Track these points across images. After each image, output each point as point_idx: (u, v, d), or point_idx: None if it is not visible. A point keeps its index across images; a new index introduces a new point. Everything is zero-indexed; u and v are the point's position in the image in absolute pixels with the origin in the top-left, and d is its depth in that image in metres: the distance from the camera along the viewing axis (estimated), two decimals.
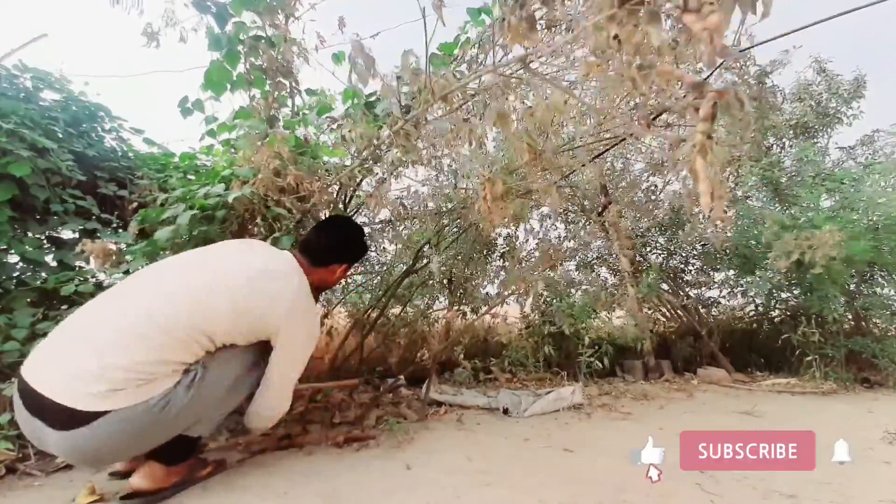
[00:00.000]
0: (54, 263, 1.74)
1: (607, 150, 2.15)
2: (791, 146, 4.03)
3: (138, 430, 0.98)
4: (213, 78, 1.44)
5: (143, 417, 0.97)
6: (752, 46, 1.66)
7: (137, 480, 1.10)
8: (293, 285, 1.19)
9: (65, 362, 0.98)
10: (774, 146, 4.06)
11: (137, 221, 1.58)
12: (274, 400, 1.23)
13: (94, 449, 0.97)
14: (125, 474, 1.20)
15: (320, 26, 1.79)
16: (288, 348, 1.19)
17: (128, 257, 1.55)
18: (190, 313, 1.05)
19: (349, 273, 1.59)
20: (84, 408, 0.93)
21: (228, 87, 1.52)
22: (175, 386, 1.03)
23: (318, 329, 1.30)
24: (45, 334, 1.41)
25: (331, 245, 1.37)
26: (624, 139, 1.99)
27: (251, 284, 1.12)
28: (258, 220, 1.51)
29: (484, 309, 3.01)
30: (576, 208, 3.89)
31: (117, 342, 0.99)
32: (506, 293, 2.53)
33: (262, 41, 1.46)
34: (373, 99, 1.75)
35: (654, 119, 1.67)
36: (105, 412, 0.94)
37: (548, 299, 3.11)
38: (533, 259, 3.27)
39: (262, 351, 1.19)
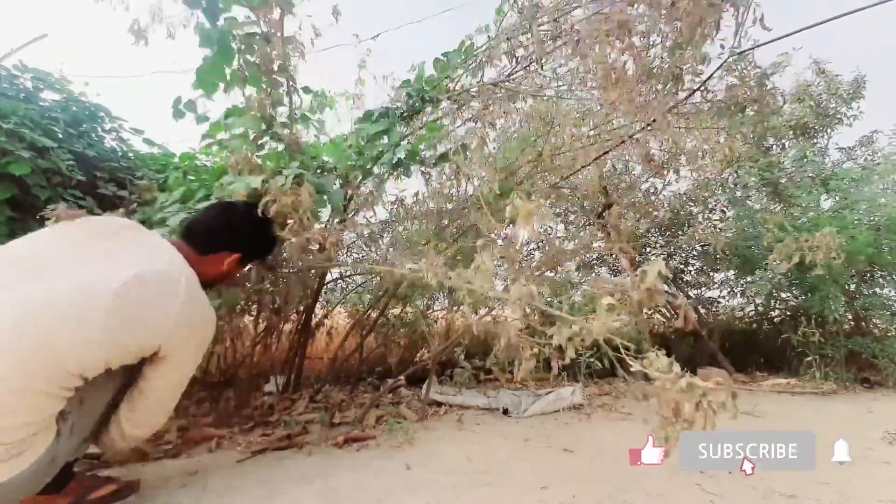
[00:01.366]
0: None
1: (607, 152, 2.15)
2: (791, 147, 4.04)
3: (24, 491, 0.86)
4: (205, 76, 1.40)
5: (26, 484, 0.84)
6: (754, 48, 1.66)
7: None
8: (179, 291, 0.94)
9: None
10: (774, 147, 4.07)
11: (137, 220, 1.58)
12: (148, 416, 1.01)
13: None
14: None
15: (319, 24, 1.79)
16: (174, 361, 0.97)
17: None
18: (48, 359, 0.79)
19: (243, 271, 1.38)
20: None
21: (222, 86, 1.47)
22: (56, 438, 0.86)
23: (213, 328, 1.04)
24: None
25: (216, 226, 1.15)
26: (623, 141, 2.00)
27: (122, 304, 0.85)
28: None
29: (484, 311, 3.01)
30: (575, 209, 3.90)
31: None
32: (507, 295, 2.53)
33: (257, 37, 1.42)
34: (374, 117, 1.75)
35: (652, 123, 1.68)
36: None
37: (548, 300, 3.10)
38: (533, 260, 3.28)
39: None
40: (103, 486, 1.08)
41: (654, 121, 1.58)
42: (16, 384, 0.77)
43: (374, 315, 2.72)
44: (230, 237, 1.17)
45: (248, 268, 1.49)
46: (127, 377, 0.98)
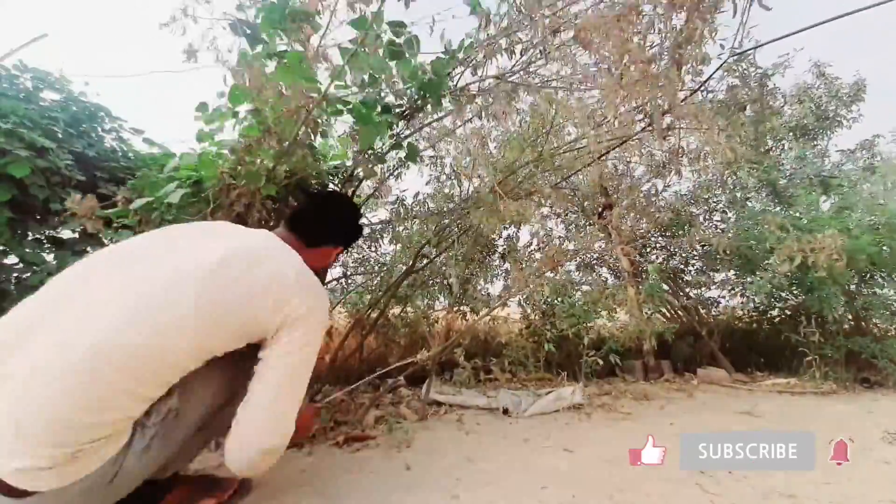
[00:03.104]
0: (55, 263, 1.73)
1: (608, 151, 2.15)
2: (791, 148, 4.05)
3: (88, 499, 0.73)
4: (238, 94, 1.45)
5: (80, 498, 0.72)
6: (755, 48, 1.66)
7: None
8: (292, 261, 0.90)
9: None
10: (774, 148, 4.07)
11: (131, 187, 1.55)
12: (270, 424, 0.83)
13: None
14: None
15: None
16: (294, 346, 0.84)
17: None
18: (146, 346, 0.73)
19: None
20: (12, 483, 0.68)
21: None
22: (126, 447, 0.74)
23: (328, 303, 0.94)
24: None
25: (329, 221, 1.11)
26: (625, 141, 2.00)
27: (213, 280, 0.79)
28: (254, 202, 1.45)
29: (485, 311, 3.01)
30: (576, 209, 3.90)
31: (34, 401, 0.68)
32: (507, 297, 2.53)
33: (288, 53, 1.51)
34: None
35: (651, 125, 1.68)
36: (33, 493, 0.69)
37: (548, 300, 3.11)
38: (534, 260, 3.28)
39: (240, 359, 0.86)
40: (205, 497, 0.98)
41: (669, 109, 1.57)
42: (88, 376, 0.69)
43: (374, 315, 2.73)
44: (342, 231, 1.15)
45: None
46: (234, 380, 0.86)
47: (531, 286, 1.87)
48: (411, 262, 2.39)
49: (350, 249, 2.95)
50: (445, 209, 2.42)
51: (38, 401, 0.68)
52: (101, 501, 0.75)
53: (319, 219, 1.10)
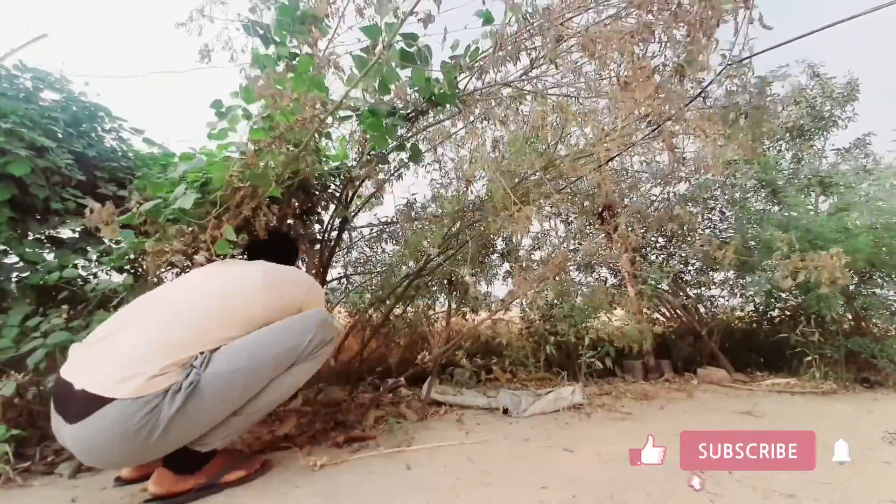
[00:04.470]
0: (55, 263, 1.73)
1: (613, 158, 2.15)
2: (787, 149, 4.06)
3: (126, 431, 0.94)
4: (250, 91, 1.46)
5: (132, 419, 0.94)
6: (753, 56, 1.67)
7: (150, 485, 1.09)
8: (298, 272, 1.42)
9: (106, 347, 1.04)
10: (771, 149, 4.08)
11: (136, 187, 1.56)
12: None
13: (91, 444, 0.96)
14: (129, 481, 1.19)
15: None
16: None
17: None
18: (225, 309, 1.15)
19: None
20: (97, 391, 0.94)
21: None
22: (168, 389, 0.98)
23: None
24: (36, 328, 1.41)
25: (289, 248, 1.62)
26: (629, 147, 2.00)
27: (269, 279, 1.25)
28: (261, 204, 1.46)
29: (488, 313, 3.01)
30: (576, 210, 3.89)
31: (164, 327, 1.06)
32: (510, 301, 2.52)
33: (298, 59, 1.55)
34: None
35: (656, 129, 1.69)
36: (110, 399, 0.94)
37: (549, 301, 3.11)
38: (534, 261, 3.28)
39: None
40: (236, 469, 1.20)
41: (674, 115, 1.58)
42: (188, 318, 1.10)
43: (374, 315, 2.72)
44: (295, 255, 1.67)
45: None
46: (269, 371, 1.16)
47: (535, 291, 1.87)
48: (420, 264, 2.39)
49: (350, 249, 2.96)
50: (455, 212, 2.42)
51: (171, 322, 1.08)
52: (138, 428, 0.95)
53: (282, 248, 1.59)
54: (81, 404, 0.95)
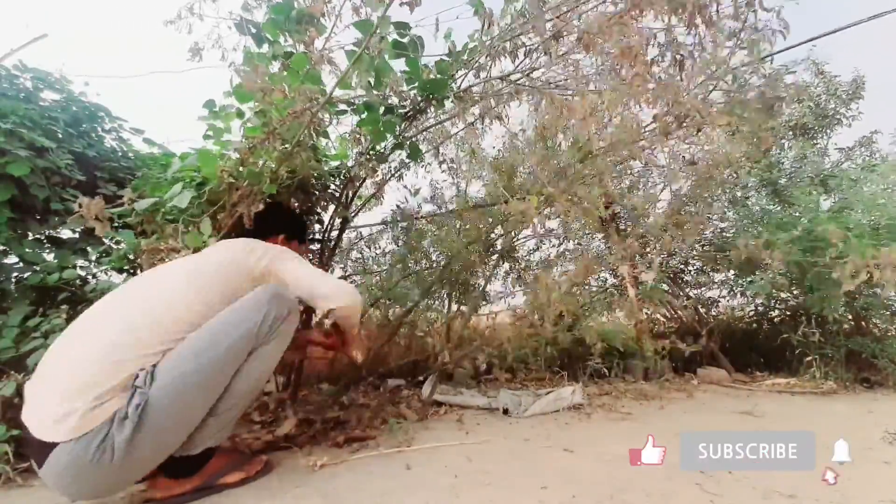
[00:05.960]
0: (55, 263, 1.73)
1: (619, 162, 2.14)
2: (790, 147, 4.05)
3: (85, 468, 0.88)
4: (243, 92, 1.46)
5: (83, 457, 0.87)
6: (762, 59, 1.67)
7: (147, 489, 1.10)
8: (251, 241, 1.28)
9: (44, 387, 0.94)
10: (773, 147, 4.07)
11: (133, 186, 1.55)
12: (326, 288, 1.23)
13: (64, 484, 0.91)
14: None
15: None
16: (277, 269, 1.21)
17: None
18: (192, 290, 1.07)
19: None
20: (41, 437, 0.88)
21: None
22: (113, 417, 0.90)
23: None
24: (36, 328, 1.41)
25: (264, 216, 1.46)
26: (637, 141, 1.98)
27: (229, 254, 1.19)
28: (256, 203, 1.46)
29: (499, 312, 3.01)
30: (577, 211, 3.88)
31: (91, 354, 0.94)
32: (524, 311, 2.52)
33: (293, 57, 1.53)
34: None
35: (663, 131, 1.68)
36: (54, 444, 0.87)
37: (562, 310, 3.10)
38: (534, 262, 3.27)
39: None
40: (237, 470, 1.18)
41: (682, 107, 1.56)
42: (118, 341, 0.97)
43: (376, 315, 2.72)
44: (278, 220, 1.51)
45: None
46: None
47: (549, 297, 1.84)
48: (443, 266, 2.38)
49: (351, 249, 2.95)
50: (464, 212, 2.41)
51: (96, 353, 0.95)
52: (92, 467, 0.89)
53: (256, 218, 1.46)
54: (37, 450, 0.90)
